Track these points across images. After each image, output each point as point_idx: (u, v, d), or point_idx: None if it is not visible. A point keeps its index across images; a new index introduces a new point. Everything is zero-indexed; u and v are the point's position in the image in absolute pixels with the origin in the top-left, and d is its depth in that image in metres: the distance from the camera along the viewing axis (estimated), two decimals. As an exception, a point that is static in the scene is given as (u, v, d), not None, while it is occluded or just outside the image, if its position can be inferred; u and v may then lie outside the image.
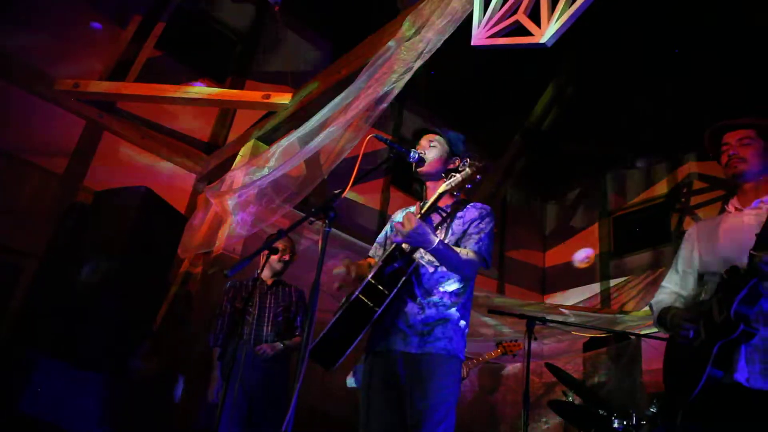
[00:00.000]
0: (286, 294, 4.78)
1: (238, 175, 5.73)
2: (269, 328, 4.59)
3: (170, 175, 6.68)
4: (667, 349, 2.76)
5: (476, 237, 2.84)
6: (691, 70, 7.13)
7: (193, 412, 4.98)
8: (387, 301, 2.68)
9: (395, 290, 2.69)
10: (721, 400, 2.39)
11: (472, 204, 2.97)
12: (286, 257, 4.79)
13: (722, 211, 2.83)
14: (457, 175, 2.71)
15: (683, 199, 8.29)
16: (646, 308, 5.55)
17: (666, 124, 7.89)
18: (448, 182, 2.75)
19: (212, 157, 6.90)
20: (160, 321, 5.65)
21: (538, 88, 8.07)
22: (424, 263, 2.83)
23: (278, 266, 4.76)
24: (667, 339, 2.80)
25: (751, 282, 2.31)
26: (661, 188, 8.63)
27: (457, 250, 2.78)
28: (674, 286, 2.84)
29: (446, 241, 2.80)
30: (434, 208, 2.80)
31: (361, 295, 2.73)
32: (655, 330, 4.38)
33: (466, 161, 2.70)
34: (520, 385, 4.68)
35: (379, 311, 2.68)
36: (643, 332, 5.37)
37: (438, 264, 2.80)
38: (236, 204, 5.33)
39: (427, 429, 2.58)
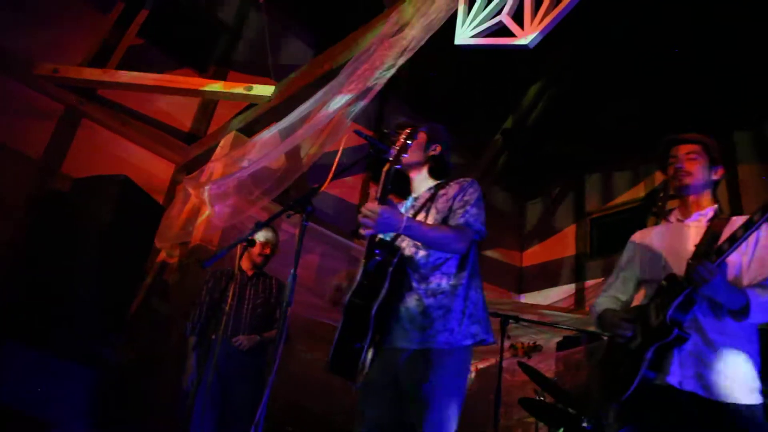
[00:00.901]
0: (266, 286, 4.77)
1: (217, 166, 5.71)
2: (247, 319, 4.59)
3: (149, 164, 6.63)
4: (605, 352, 2.88)
5: (461, 210, 2.72)
6: (673, 73, 7.21)
7: (168, 400, 4.97)
8: (381, 297, 2.57)
9: (387, 284, 2.58)
10: (654, 401, 2.50)
11: (454, 181, 2.88)
12: (267, 251, 4.77)
13: (663, 218, 2.96)
14: (395, 147, 2.61)
15: (660, 203, 8.38)
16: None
17: (646, 127, 7.96)
18: (391, 160, 2.63)
19: (192, 147, 6.87)
20: (135, 310, 5.62)
21: (520, 88, 8.12)
22: (415, 249, 2.73)
23: (258, 260, 4.74)
24: (606, 343, 2.91)
25: (687, 290, 2.43)
26: (639, 191, 8.73)
27: (438, 225, 2.69)
28: (615, 291, 2.95)
29: (432, 221, 2.73)
30: (386, 189, 2.63)
31: (353, 299, 2.65)
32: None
33: (394, 132, 2.66)
34: (492, 383, 4.72)
35: (375, 308, 2.56)
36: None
37: (429, 247, 2.69)
38: (215, 195, 5.32)
39: (428, 426, 2.49)
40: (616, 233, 8.70)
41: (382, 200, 2.60)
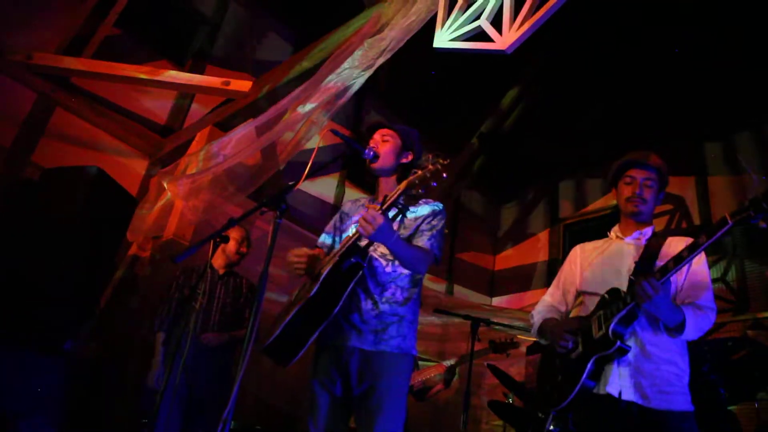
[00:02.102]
0: (237, 285, 4.76)
1: (192, 160, 5.66)
2: (216, 317, 4.56)
3: (123, 156, 6.55)
4: (542, 359, 2.97)
5: (428, 234, 2.86)
6: (647, 84, 7.30)
7: (135, 395, 4.92)
8: (344, 297, 2.68)
9: (351, 285, 2.69)
10: (594, 409, 2.62)
11: (424, 200, 2.99)
12: (243, 249, 4.77)
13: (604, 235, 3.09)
14: (422, 172, 2.62)
15: (632, 211, 8.47)
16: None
17: (619, 135, 8.06)
18: (414, 177, 2.65)
19: (167, 140, 6.80)
20: (104, 303, 5.55)
21: (498, 92, 8.17)
22: (377, 257, 2.85)
23: (234, 258, 4.75)
24: (542, 350, 2.99)
25: (630, 304, 2.55)
26: (612, 199, 8.80)
27: (414, 246, 2.80)
28: (554, 301, 3.10)
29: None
30: (395, 203, 2.74)
31: (318, 292, 2.70)
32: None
33: (429, 157, 2.69)
34: (462, 385, 4.75)
35: (339, 306, 2.67)
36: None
37: (391, 258, 2.82)
38: (189, 190, 5.27)
39: (380, 425, 2.59)
40: (588, 240, 8.78)
41: (386, 211, 2.66)
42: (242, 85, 5.98)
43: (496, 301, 9.17)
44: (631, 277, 2.64)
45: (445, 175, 2.56)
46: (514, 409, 5.03)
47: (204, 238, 2.64)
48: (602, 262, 2.91)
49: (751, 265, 6.93)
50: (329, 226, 3.25)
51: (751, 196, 2.24)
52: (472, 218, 9.57)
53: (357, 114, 8.38)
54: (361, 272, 2.71)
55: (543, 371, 2.93)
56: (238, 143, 5.29)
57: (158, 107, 7.02)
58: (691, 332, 2.55)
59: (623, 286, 2.65)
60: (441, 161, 2.53)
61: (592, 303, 2.79)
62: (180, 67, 7.07)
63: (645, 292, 2.41)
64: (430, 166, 2.54)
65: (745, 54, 6.67)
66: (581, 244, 3.16)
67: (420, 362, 5.47)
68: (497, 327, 4.96)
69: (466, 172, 8.53)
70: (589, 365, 2.56)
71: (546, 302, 3.11)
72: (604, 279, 2.80)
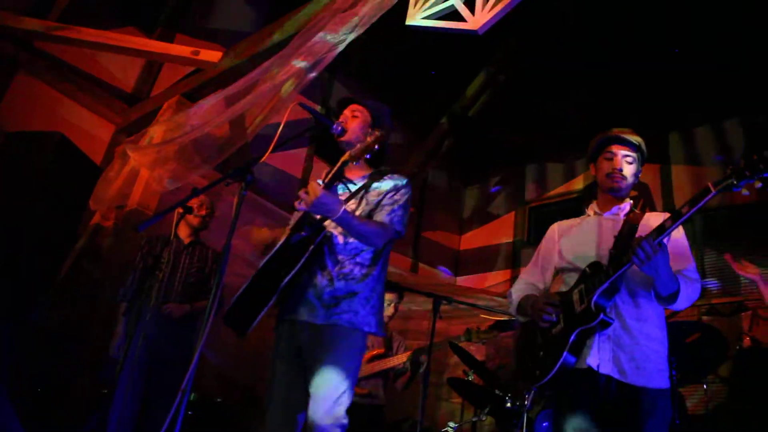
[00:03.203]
0: (202, 255, 4.72)
1: (159, 130, 5.58)
2: (179, 287, 4.53)
3: (88, 124, 6.42)
4: (520, 335, 2.99)
5: (389, 208, 2.86)
6: (615, 73, 7.37)
7: (95, 365, 4.88)
8: (295, 270, 2.67)
9: (303, 259, 2.69)
10: (573, 384, 2.61)
11: (389, 176, 2.99)
12: (203, 212, 4.72)
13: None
14: (360, 145, 2.69)
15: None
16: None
17: (586, 122, 8.14)
18: (349, 153, 2.73)
19: (134, 109, 6.68)
20: (65, 273, 5.48)
21: (470, 74, 8.18)
22: (336, 233, 2.83)
23: (195, 221, 4.69)
24: (520, 327, 3.01)
25: (613, 276, 2.54)
26: (578, 184, 8.94)
27: (367, 220, 2.80)
28: (533, 278, 3.08)
29: (360, 212, 2.83)
30: (338, 176, 2.78)
31: (270, 263, 2.75)
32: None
33: (368, 130, 2.70)
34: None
35: (286, 280, 2.67)
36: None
37: (349, 235, 2.81)
38: (154, 159, 5.19)
39: (326, 399, 2.61)
40: (552, 223, 8.89)
41: (329, 184, 2.67)
42: (212, 55, 5.89)
43: (461, 280, 9.25)
44: (611, 251, 2.63)
45: (377, 146, 2.60)
46: (473, 386, 5.12)
47: (168, 207, 2.62)
48: (581, 238, 2.89)
49: (710, 253, 7.11)
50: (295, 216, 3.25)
51: (733, 166, 2.23)
52: (439, 198, 9.61)
53: (328, 91, 8.33)
54: (312, 246, 2.70)
55: (523, 349, 2.92)
56: (206, 114, 5.21)
57: (125, 75, 6.89)
58: (683, 302, 2.54)
59: (604, 261, 2.64)
60: (377, 133, 2.58)
61: (572, 279, 2.79)
62: (149, 34, 6.93)
63: (646, 252, 2.36)
64: (368, 138, 2.59)
65: (711, 54, 6.78)
66: (559, 222, 3.13)
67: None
68: (459, 306, 5.00)
69: (435, 152, 8.56)
70: (571, 338, 2.55)
71: (524, 280, 3.09)
72: (584, 254, 2.79)
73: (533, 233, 9.15)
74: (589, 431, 2.55)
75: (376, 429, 5.00)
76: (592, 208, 2.99)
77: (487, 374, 5.03)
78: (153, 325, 4.31)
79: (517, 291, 3.05)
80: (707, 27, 6.57)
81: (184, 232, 4.72)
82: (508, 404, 4.55)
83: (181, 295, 4.50)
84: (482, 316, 6.81)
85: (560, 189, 9.13)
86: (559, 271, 2.97)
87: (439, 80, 8.08)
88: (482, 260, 9.26)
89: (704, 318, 6.30)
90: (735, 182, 2.21)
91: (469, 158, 9.62)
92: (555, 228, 3.11)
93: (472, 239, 9.63)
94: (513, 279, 8.72)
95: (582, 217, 3.02)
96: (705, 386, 5.02)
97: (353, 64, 7.86)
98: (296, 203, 2.57)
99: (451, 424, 5.12)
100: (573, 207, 8.67)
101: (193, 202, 4.71)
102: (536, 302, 2.81)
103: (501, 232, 9.35)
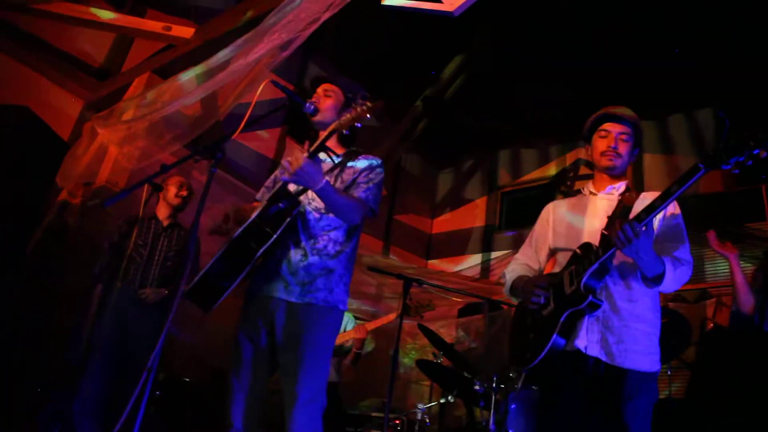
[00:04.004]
0: (180, 238, 4.66)
1: (129, 106, 5.49)
2: (156, 271, 4.47)
3: (55, 99, 6.28)
4: (514, 318, 2.97)
5: (364, 186, 2.85)
6: (589, 61, 7.40)
7: (61, 346, 4.81)
8: (270, 241, 2.65)
9: (279, 231, 2.66)
10: (562, 365, 2.60)
11: (363, 156, 2.99)
12: (184, 193, 4.67)
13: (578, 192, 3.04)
14: (348, 114, 2.67)
15: (568, 183, 8.68)
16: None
17: (560, 109, 8.19)
18: (338, 121, 2.71)
19: (104, 84, 6.55)
20: (31, 251, 5.37)
21: (445, 57, 8.16)
22: (311, 209, 2.82)
23: (176, 201, 4.64)
24: (515, 309, 3.01)
25: (602, 258, 2.50)
26: (550, 170, 9.00)
27: (346, 194, 2.78)
28: (527, 259, 3.05)
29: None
30: (323, 147, 2.75)
31: (243, 235, 2.69)
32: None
33: (359, 101, 2.69)
34: (391, 345, 4.83)
35: (261, 251, 2.65)
36: (514, 304, 5.66)
37: (324, 211, 2.80)
38: (124, 136, 5.12)
39: (302, 378, 2.61)
40: (524, 208, 8.98)
41: (313, 155, 2.65)
42: (184, 31, 5.80)
43: (432, 263, 9.29)
44: (603, 231, 2.59)
45: (369, 116, 2.57)
46: (441, 368, 5.15)
47: (137, 183, 2.57)
48: (575, 218, 2.87)
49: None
50: (269, 180, 3.22)
51: (722, 142, 2.18)
52: (411, 181, 9.61)
53: (302, 72, 8.24)
54: (289, 219, 2.68)
55: (515, 331, 2.90)
56: (177, 91, 5.14)
57: (95, 49, 6.74)
58: (670, 284, 2.51)
59: (596, 241, 2.60)
60: (368, 103, 2.55)
61: (565, 259, 2.76)
62: (119, 8, 6.77)
63: (626, 236, 2.33)
64: (357, 108, 2.57)
65: (686, 43, 6.84)
66: (554, 202, 3.10)
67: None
68: (428, 288, 5.01)
69: (408, 135, 8.54)
70: (561, 320, 2.54)
71: (518, 260, 3.06)
72: (577, 234, 2.77)
73: (505, 218, 9.21)
74: (576, 414, 2.55)
75: (331, 407, 5.04)
76: (587, 188, 2.94)
77: (455, 356, 5.07)
78: (129, 308, 4.25)
79: (511, 272, 3.02)
80: (683, 17, 6.62)
81: (163, 213, 4.66)
82: (476, 386, 4.59)
83: (158, 279, 4.44)
84: (454, 299, 6.87)
85: (533, 174, 9.19)
86: (553, 252, 2.94)
87: (413, 63, 8.04)
88: (454, 244, 9.30)
89: (670, 304, 6.40)
90: (725, 159, 2.17)
91: (443, 142, 9.62)
92: (550, 207, 3.07)
93: (445, 223, 9.66)
94: (484, 263, 8.78)
95: (577, 196, 2.99)
96: (669, 372, 5.10)
97: (328, 45, 7.80)
98: (278, 172, 2.55)
99: (420, 405, 5.16)
100: (545, 193, 8.74)
101: (174, 182, 4.65)
102: (526, 284, 2.79)
103: (473, 216, 9.39)
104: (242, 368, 2.74)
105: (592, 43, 7.17)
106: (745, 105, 6.36)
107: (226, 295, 2.68)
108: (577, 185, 8.55)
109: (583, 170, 8.60)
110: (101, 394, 4.12)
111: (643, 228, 2.36)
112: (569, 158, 8.79)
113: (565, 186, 8.72)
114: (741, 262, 4.23)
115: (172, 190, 4.66)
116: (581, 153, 8.63)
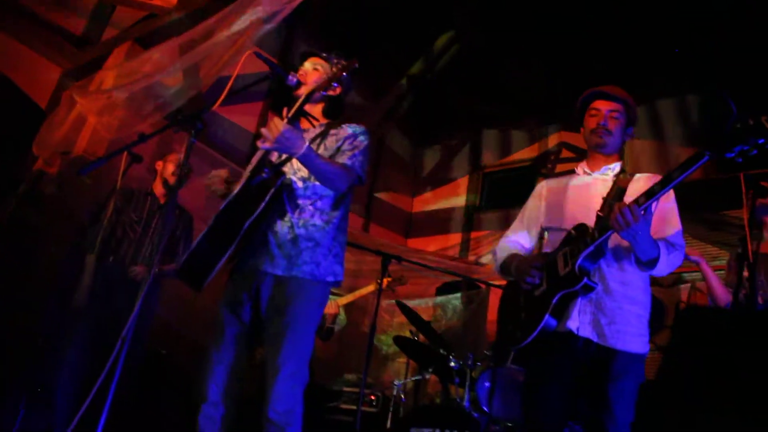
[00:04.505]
0: (175, 217, 4.62)
1: (108, 75, 5.41)
2: (149, 249, 4.43)
3: (32, 66, 6.15)
4: (504, 296, 2.96)
5: (349, 152, 2.80)
6: (578, 43, 7.38)
7: (34, 318, 4.76)
8: (255, 214, 2.60)
9: (264, 203, 2.60)
10: (553, 345, 2.61)
11: (347, 124, 2.93)
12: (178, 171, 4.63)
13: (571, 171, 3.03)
14: (326, 75, 2.63)
15: (549, 165, 8.71)
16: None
17: (546, 91, 8.20)
18: (314, 81, 2.67)
19: (83, 53, 6.43)
20: (6, 220, 5.30)
21: (431, 35, 8.11)
22: (296, 179, 2.77)
23: (172, 180, 4.58)
24: (505, 287, 3.00)
25: (598, 240, 2.50)
26: (533, 151, 9.01)
27: (330, 160, 2.72)
28: (518, 237, 3.03)
29: None
30: (301, 111, 2.69)
31: (228, 209, 2.66)
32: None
33: (333, 60, 2.64)
34: (369, 321, 4.85)
35: (246, 225, 2.60)
36: (494, 283, 5.71)
37: (310, 179, 2.75)
38: (103, 106, 5.04)
39: (286, 350, 2.60)
40: (506, 189, 9.00)
41: (292, 120, 2.61)
42: (166, 0, 5.70)
43: (412, 242, 9.30)
44: (599, 213, 2.59)
45: (345, 74, 2.54)
46: (418, 345, 5.19)
47: (115, 152, 2.54)
48: (569, 198, 2.84)
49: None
50: (255, 157, 3.18)
51: (728, 130, 2.15)
52: (394, 159, 9.57)
53: (287, 47, 8.15)
54: (273, 189, 2.62)
55: (505, 309, 2.89)
56: (159, 61, 5.07)
57: (75, 17, 6.59)
58: (663, 268, 2.52)
59: (590, 222, 2.59)
60: (342, 62, 2.53)
61: (557, 239, 2.75)
62: (100, -25, 6.65)
63: (625, 218, 2.32)
64: (333, 68, 2.54)
65: (676, 26, 6.83)
66: (547, 180, 3.08)
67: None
68: (406, 265, 5.03)
69: (393, 112, 8.50)
70: (553, 301, 2.53)
71: (509, 238, 3.05)
72: (571, 214, 2.76)
73: (486, 198, 9.22)
74: (564, 395, 2.58)
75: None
76: (581, 167, 2.93)
77: (432, 334, 5.10)
78: (119, 283, 4.23)
79: (502, 250, 3.01)
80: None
81: (159, 190, 4.64)
82: (452, 363, 4.63)
83: (150, 257, 4.40)
84: (432, 277, 6.91)
85: (516, 156, 9.19)
86: (544, 231, 2.93)
87: (399, 40, 7.99)
88: (434, 223, 9.30)
89: (646, 288, 6.46)
90: (730, 147, 2.15)
91: (426, 120, 9.58)
92: (543, 185, 3.05)
93: (425, 202, 9.65)
94: (464, 243, 8.81)
95: (570, 175, 2.96)
96: (642, 354, 5.17)
97: (314, 20, 7.71)
98: (258, 142, 2.51)
99: (396, 381, 5.20)
100: (528, 174, 8.77)
101: (172, 160, 4.60)
102: (520, 263, 2.78)
103: (453, 196, 9.39)
104: (223, 343, 2.72)
105: (580, 25, 7.14)
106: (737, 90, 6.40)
107: (216, 271, 2.63)
108: (559, 168, 8.58)
109: (565, 153, 8.63)
110: (84, 367, 4.10)
111: (642, 212, 2.34)
112: (552, 141, 8.80)
113: (546, 168, 8.75)
114: (717, 249, 4.31)
115: (169, 168, 4.61)
116: (564, 136, 8.66)
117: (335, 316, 5.19)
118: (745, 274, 3.35)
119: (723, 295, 3.90)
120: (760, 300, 3.64)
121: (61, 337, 4.25)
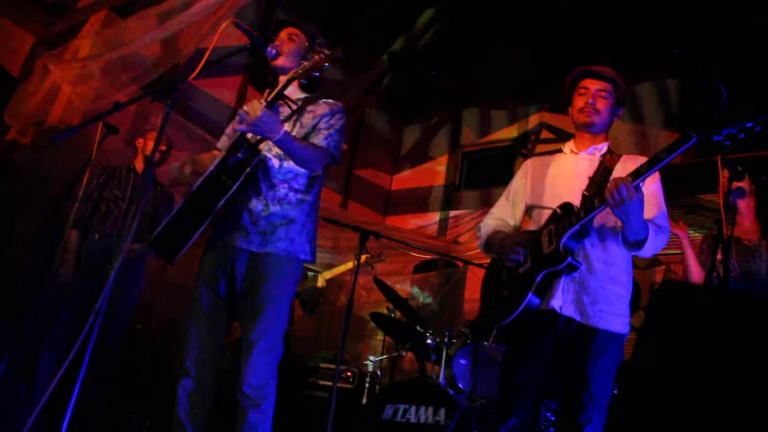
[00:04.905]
0: (157, 194, 4.58)
1: (84, 44, 5.29)
2: (135, 228, 4.38)
3: (5, 33, 5.99)
4: (488, 273, 2.96)
5: (325, 132, 2.81)
6: (560, 25, 7.36)
7: (11, 286, 4.70)
8: (230, 192, 2.62)
9: (239, 182, 2.63)
10: (535, 323, 2.62)
11: (324, 100, 2.93)
12: (162, 147, 4.56)
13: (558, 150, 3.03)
14: (307, 63, 2.63)
15: (529, 146, 8.73)
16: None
17: (528, 72, 8.18)
18: (296, 70, 2.67)
19: (58, 20, 6.26)
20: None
21: (413, 12, 8.03)
22: (271, 156, 2.78)
23: (156, 156, 4.52)
24: (489, 264, 3.00)
25: (584, 219, 2.50)
26: (512, 132, 9.01)
27: (306, 143, 2.74)
28: (503, 214, 3.02)
29: (295, 134, 2.76)
30: (281, 96, 2.71)
31: (203, 186, 2.66)
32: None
33: (317, 48, 2.63)
34: (346, 298, 4.86)
35: (221, 202, 2.62)
36: (472, 261, 5.74)
37: (285, 157, 2.76)
38: (78, 75, 4.95)
39: (261, 326, 2.62)
40: (485, 168, 9.02)
41: (271, 104, 2.60)
42: (145, -32, 5.57)
43: (390, 220, 9.30)
44: (584, 193, 2.59)
45: (327, 64, 2.54)
46: (395, 322, 5.20)
47: (87, 120, 2.48)
48: (555, 176, 2.83)
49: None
50: (229, 127, 3.16)
51: (717, 113, 2.15)
52: (373, 136, 9.52)
53: (267, 17, 8.03)
54: (249, 169, 2.64)
55: (488, 286, 2.90)
56: (136, 31, 4.97)
57: (49, -18, 6.43)
58: (648, 250, 2.53)
59: (576, 201, 2.59)
60: (326, 51, 2.52)
61: (542, 217, 2.75)
62: (76, -61, 6.47)
63: (620, 194, 2.31)
64: (316, 57, 2.53)
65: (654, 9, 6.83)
66: (534, 158, 3.06)
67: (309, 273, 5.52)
68: (384, 241, 5.02)
69: (373, 89, 8.44)
70: (537, 280, 2.53)
71: (494, 215, 3.03)
72: (557, 193, 2.75)
73: (465, 178, 9.23)
74: (545, 373, 2.60)
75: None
76: (568, 146, 2.92)
77: (409, 311, 5.12)
78: (103, 260, 4.19)
79: (486, 226, 3.00)
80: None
81: (141, 167, 4.59)
82: (429, 341, 4.65)
83: (134, 234, 4.36)
84: (412, 254, 6.92)
85: (496, 135, 9.19)
86: (529, 209, 2.93)
87: (381, 16, 7.91)
88: (413, 201, 9.30)
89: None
90: (718, 130, 2.15)
91: (408, 98, 9.53)
92: (529, 163, 3.03)
93: (404, 180, 9.64)
94: (443, 222, 8.83)
95: (558, 154, 2.95)
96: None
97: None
98: (235, 122, 2.51)
99: (372, 357, 5.22)
100: (506, 155, 8.78)
101: (153, 137, 4.54)
102: (504, 240, 2.78)
103: (434, 174, 9.38)
104: (200, 317, 2.74)
105: (563, 6, 7.11)
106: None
107: (189, 245, 2.65)
108: (539, 149, 8.60)
109: (545, 134, 8.64)
110: (67, 342, 4.07)
111: (635, 190, 2.33)
112: (532, 121, 8.81)
113: (525, 149, 8.76)
114: (691, 232, 4.34)
115: (150, 144, 4.56)
116: (545, 116, 8.67)
117: (322, 289, 5.18)
118: (719, 257, 3.38)
119: (698, 272, 3.95)
120: (732, 283, 3.70)
121: (41, 311, 4.21)
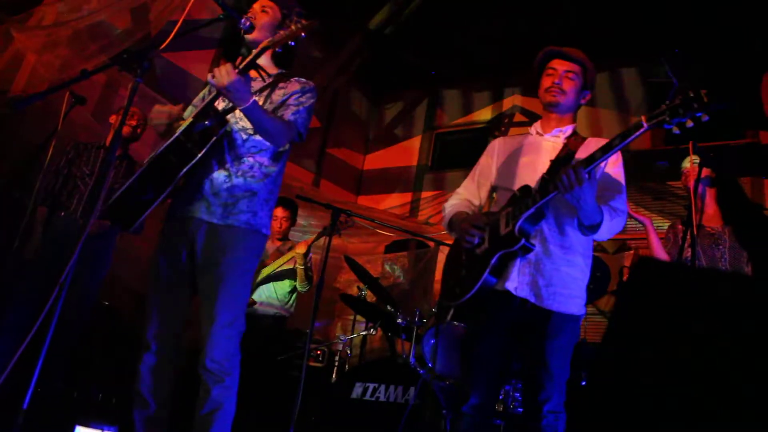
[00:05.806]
0: (130, 171, 4.46)
1: (50, 11, 5.13)
2: (101, 203, 4.27)
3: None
4: (449, 253, 2.99)
5: (294, 108, 2.77)
6: (547, 5, 7.32)
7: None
8: (194, 161, 2.56)
9: (204, 151, 2.56)
10: (490, 303, 2.66)
11: (296, 78, 2.89)
12: (133, 122, 4.43)
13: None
14: (282, 31, 2.58)
15: (503, 128, 8.74)
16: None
17: (503, 54, 8.16)
18: (271, 38, 2.62)
19: (23, -15, 6.09)
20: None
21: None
22: (237, 129, 2.73)
23: (125, 131, 4.38)
24: (451, 245, 3.02)
25: (539, 202, 2.51)
26: (486, 114, 9.02)
27: (274, 116, 2.69)
28: (468, 194, 3.03)
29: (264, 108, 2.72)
30: (253, 64, 2.66)
31: (166, 152, 2.59)
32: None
33: (294, 18, 2.58)
34: (315, 277, 4.82)
35: (184, 170, 2.56)
36: (443, 242, 5.73)
37: (252, 132, 2.72)
38: (44, 43, 4.80)
39: (222, 299, 2.58)
40: (457, 150, 9.02)
41: (243, 71, 2.55)
42: (115, -66, 5.41)
43: (362, 199, 9.28)
44: (544, 176, 2.60)
45: (303, 34, 2.50)
46: (365, 302, 5.20)
47: (53, 87, 2.40)
48: (519, 158, 2.83)
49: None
50: (197, 98, 3.09)
51: (668, 101, 2.19)
52: (346, 115, 9.46)
53: (241, -3, 7.89)
54: (215, 138, 2.58)
55: (449, 266, 2.92)
56: (105, -1, 4.84)
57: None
58: (604, 233, 2.55)
59: (535, 184, 2.61)
60: (303, 21, 2.48)
61: (504, 198, 2.76)
62: None
63: (570, 180, 2.34)
64: (292, 26, 2.49)
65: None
66: (501, 138, 3.06)
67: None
68: (356, 220, 4.98)
69: (347, 67, 8.36)
70: (492, 261, 2.56)
71: (459, 195, 3.04)
72: (519, 174, 2.76)
73: (437, 159, 9.23)
74: (501, 351, 2.64)
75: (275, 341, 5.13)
76: (534, 128, 2.92)
77: (380, 290, 5.11)
78: (69, 238, 4.07)
79: (451, 206, 3.00)
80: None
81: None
82: (399, 320, 4.66)
83: (102, 210, 4.26)
84: (381, 233, 6.91)
85: (470, 117, 9.19)
86: (494, 189, 2.94)
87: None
88: (384, 182, 9.28)
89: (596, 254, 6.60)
90: (668, 119, 2.18)
91: (381, 78, 9.47)
92: (496, 144, 3.03)
93: (376, 160, 9.60)
94: (414, 202, 8.83)
95: (524, 135, 2.95)
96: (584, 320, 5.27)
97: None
98: (209, 76, 2.44)
99: (342, 336, 5.21)
100: (479, 137, 8.79)
101: (133, 117, 4.42)
102: (463, 222, 2.78)
103: (405, 155, 9.36)
104: (160, 290, 2.69)
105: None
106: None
107: (148, 213, 2.59)
108: (512, 132, 8.60)
109: (518, 117, 8.66)
110: (28, 319, 3.98)
111: (587, 176, 2.36)
112: (507, 104, 8.82)
113: (499, 131, 8.77)
114: (661, 218, 4.40)
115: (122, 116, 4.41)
116: (519, 99, 8.68)
117: (306, 255, 5.10)
118: (689, 240, 3.42)
119: (663, 258, 4.00)
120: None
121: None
